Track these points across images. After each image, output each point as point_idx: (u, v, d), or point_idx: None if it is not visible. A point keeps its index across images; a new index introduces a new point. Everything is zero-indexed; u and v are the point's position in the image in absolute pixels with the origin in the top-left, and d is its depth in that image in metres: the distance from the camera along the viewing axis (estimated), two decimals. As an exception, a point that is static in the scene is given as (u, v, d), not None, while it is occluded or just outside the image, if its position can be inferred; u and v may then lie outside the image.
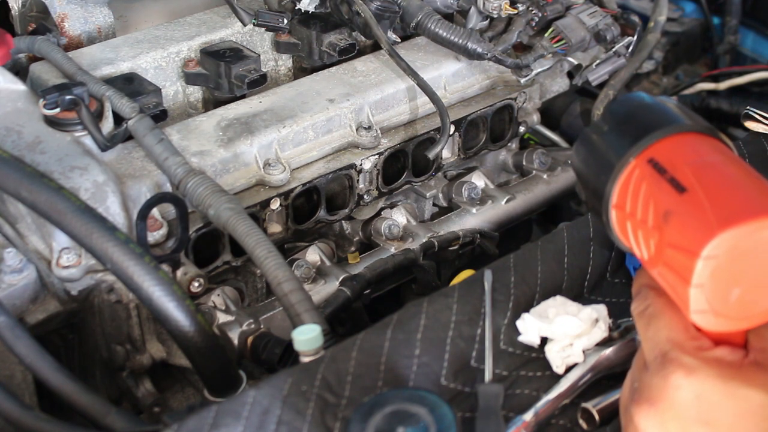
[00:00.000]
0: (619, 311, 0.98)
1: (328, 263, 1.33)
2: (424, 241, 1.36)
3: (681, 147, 0.80)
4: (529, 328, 0.94)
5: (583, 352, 0.93)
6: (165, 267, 1.12)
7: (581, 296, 1.04)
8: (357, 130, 1.35)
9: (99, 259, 1.02)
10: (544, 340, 0.96)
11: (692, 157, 0.79)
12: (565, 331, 0.92)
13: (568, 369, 0.93)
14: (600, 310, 0.96)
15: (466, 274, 1.31)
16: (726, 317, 0.75)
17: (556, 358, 0.93)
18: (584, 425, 0.88)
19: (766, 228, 0.72)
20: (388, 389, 0.86)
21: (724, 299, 0.74)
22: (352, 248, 1.40)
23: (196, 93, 1.44)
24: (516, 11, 1.48)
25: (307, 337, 0.95)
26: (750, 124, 1.32)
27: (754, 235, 0.72)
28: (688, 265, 0.73)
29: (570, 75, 1.61)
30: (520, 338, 0.96)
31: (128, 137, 1.23)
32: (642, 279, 0.85)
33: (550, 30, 1.51)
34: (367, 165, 1.34)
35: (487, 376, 0.93)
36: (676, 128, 0.81)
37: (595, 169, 0.84)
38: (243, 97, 1.38)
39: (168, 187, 1.21)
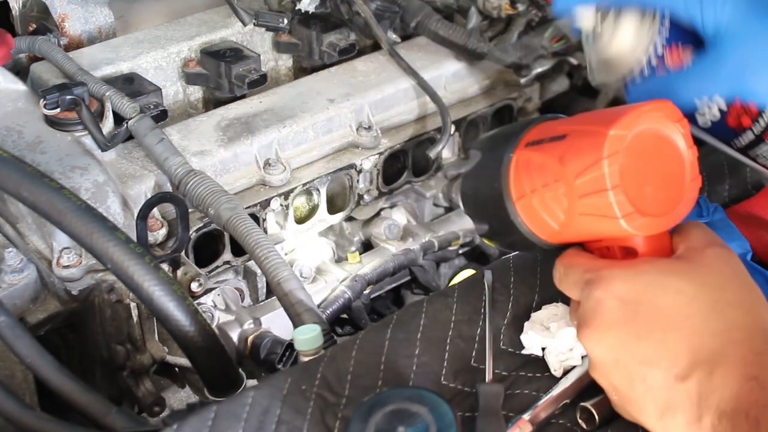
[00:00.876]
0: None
1: (328, 263, 1.33)
2: (424, 241, 1.36)
3: (545, 126, 0.87)
4: (533, 342, 0.95)
5: (582, 357, 0.93)
6: (165, 267, 1.12)
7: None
8: (357, 130, 1.35)
9: (99, 258, 1.02)
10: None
11: (557, 123, 0.86)
12: (567, 343, 0.93)
13: (566, 371, 0.93)
14: None
15: (466, 274, 1.31)
16: (650, 215, 0.79)
17: (555, 361, 0.93)
18: (584, 425, 0.88)
19: (646, 116, 0.79)
20: (388, 388, 0.86)
21: (641, 196, 0.78)
22: (352, 248, 1.40)
23: (196, 93, 1.45)
24: (516, 11, 1.48)
25: (307, 336, 0.95)
26: None
27: (640, 126, 0.79)
28: (598, 177, 0.78)
29: (570, 75, 1.61)
30: (524, 351, 0.96)
31: (129, 137, 1.23)
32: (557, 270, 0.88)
33: (550, 30, 1.51)
34: (367, 165, 1.34)
35: (488, 375, 0.93)
36: (534, 121, 0.88)
37: (486, 189, 0.89)
38: (243, 97, 1.38)
39: (168, 187, 1.21)
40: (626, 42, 0.97)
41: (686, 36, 0.95)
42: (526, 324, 0.96)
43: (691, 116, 0.93)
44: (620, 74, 1.00)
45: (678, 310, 0.77)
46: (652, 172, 0.80)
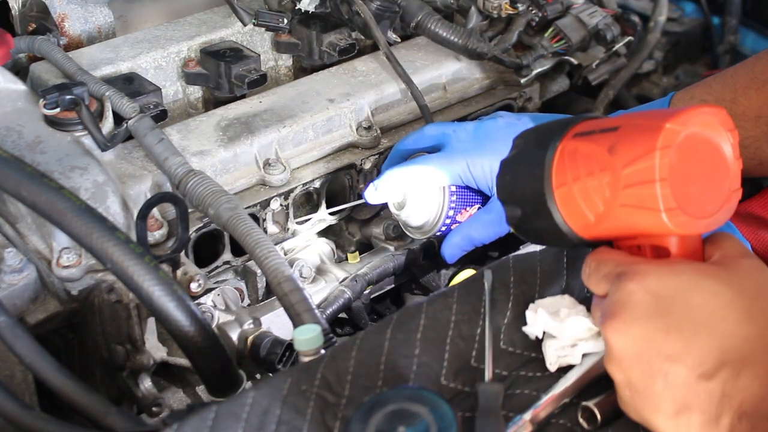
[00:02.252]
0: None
1: (328, 263, 1.33)
2: (424, 241, 1.36)
3: (595, 120, 0.88)
4: (538, 321, 0.94)
5: (582, 356, 0.92)
6: (165, 267, 1.12)
7: (582, 296, 1.04)
8: (357, 130, 1.35)
9: (99, 258, 1.02)
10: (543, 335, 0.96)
11: (608, 119, 0.88)
12: (573, 333, 0.92)
13: (561, 369, 0.93)
14: None
15: (466, 274, 1.31)
16: (691, 215, 0.80)
17: (553, 355, 0.93)
18: (585, 424, 0.88)
19: (701, 118, 0.80)
20: (388, 389, 0.86)
21: (685, 194, 0.79)
22: (352, 248, 1.40)
23: (196, 93, 1.45)
24: (516, 11, 1.48)
25: (307, 336, 0.95)
26: None
27: (694, 127, 0.80)
28: (648, 168, 0.79)
29: (570, 75, 1.61)
30: (525, 329, 0.95)
31: (128, 137, 1.23)
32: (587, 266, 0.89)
33: (550, 30, 1.51)
34: (367, 165, 1.34)
35: (487, 375, 0.93)
36: (584, 117, 0.90)
37: (526, 174, 0.90)
38: (243, 97, 1.38)
39: (168, 187, 1.21)
40: (425, 210, 1.18)
41: (477, 196, 1.20)
42: (531, 305, 0.96)
43: None
44: (427, 234, 1.21)
45: (712, 311, 0.77)
46: (698, 174, 0.81)
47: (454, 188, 1.18)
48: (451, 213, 1.18)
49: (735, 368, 0.76)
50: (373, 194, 1.19)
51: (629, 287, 0.79)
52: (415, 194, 1.18)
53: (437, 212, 1.18)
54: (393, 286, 1.38)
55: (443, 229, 1.20)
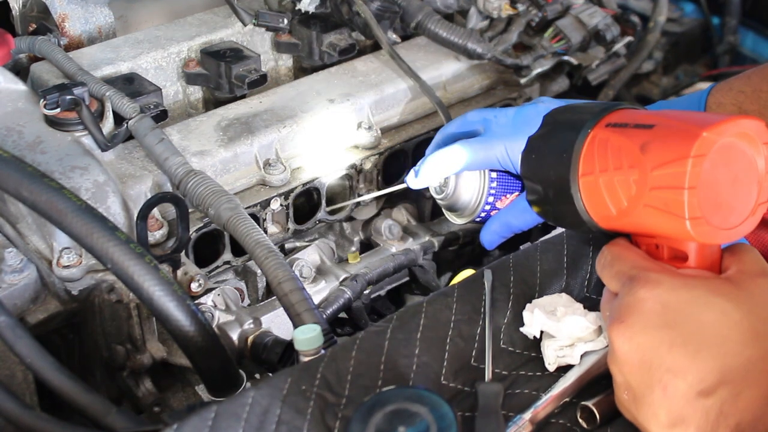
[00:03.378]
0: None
1: (328, 263, 1.33)
2: (424, 241, 1.36)
3: (629, 112, 0.87)
4: (535, 321, 0.94)
5: (581, 356, 0.92)
6: (165, 267, 1.12)
7: (581, 295, 1.04)
8: (357, 130, 1.35)
9: (99, 259, 1.02)
10: (542, 335, 0.96)
11: (644, 113, 0.87)
12: (570, 332, 0.92)
13: (560, 368, 0.93)
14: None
15: (466, 274, 1.31)
16: (715, 225, 0.80)
17: (551, 355, 0.93)
18: (584, 424, 0.88)
19: (738, 129, 0.79)
20: (388, 388, 0.86)
21: (712, 203, 0.79)
22: (352, 248, 1.40)
23: (196, 93, 1.45)
24: (516, 11, 1.48)
25: (307, 336, 0.95)
26: None
27: (730, 137, 0.79)
28: (678, 174, 0.78)
29: (570, 75, 1.61)
30: (522, 329, 0.96)
31: (129, 137, 1.23)
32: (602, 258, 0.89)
33: (550, 30, 1.51)
34: (367, 165, 1.34)
35: (488, 375, 0.93)
36: (618, 105, 0.89)
37: (553, 156, 0.89)
38: (243, 97, 1.38)
39: (168, 187, 1.21)
40: (465, 196, 1.16)
41: (518, 182, 1.14)
42: (528, 305, 0.96)
43: None
44: (467, 218, 1.18)
45: (718, 330, 0.77)
46: (728, 184, 0.80)
47: (494, 174, 1.15)
48: (491, 199, 1.16)
49: (735, 388, 0.76)
50: (414, 180, 1.17)
51: (641, 294, 0.80)
52: (455, 179, 1.17)
53: (477, 197, 1.16)
54: (393, 286, 1.38)
55: (483, 214, 1.18)
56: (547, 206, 0.93)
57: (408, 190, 1.21)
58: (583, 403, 0.88)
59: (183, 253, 1.17)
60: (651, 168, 0.80)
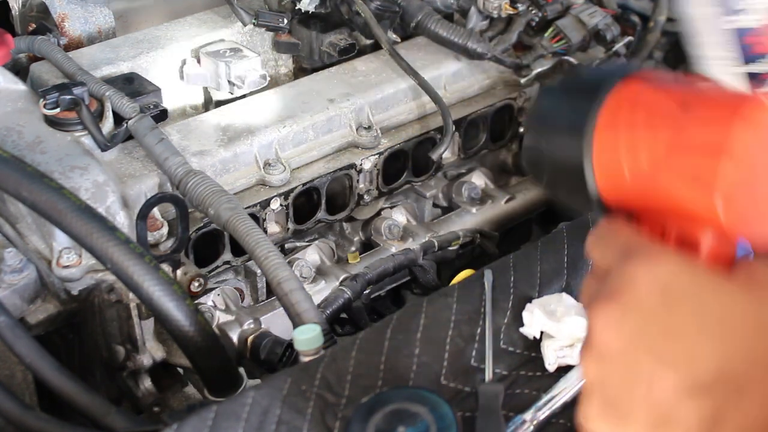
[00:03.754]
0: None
1: (328, 263, 1.33)
2: (424, 241, 1.36)
3: (663, 73, 0.75)
4: (535, 321, 0.94)
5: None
6: (165, 267, 1.12)
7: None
8: (357, 130, 1.35)
9: (99, 258, 1.02)
10: (542, 335, 0.96)
11: (683, 76, 0.75)
12: (570, 332, 0.92)
13: (560, 369, 0.93)
14: None
15: (466, 274, 1.31)
16: (745, 213, 0.68)
17: (551, 355, 0.93)
18: (584, 425, 0.88)
19: None
20: (388, 388, 0.86)
21: (751, 187, 0.67)
22: (352, 248, 1.40)
23: (196, 92, 1.44)
24: (516, 11, 1.48)
25: (307, 336, 0.95)
26: None
27: None
28: (721, 138, 0.66)
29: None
30: (522, 329, 0.95)
31: (128, 137, 1.23)
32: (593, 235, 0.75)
33: (550, 30, 1.51)
34: (367, 165, 1.34)
35: (488, 375, 0.93)
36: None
37: (572, 101, 0.76)
38: (243, 97, 1.38)
39: (168, 187, 1.21)
40: None
41: None
42: (528, 305, 0.95)
43: None
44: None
45: (724, 319, 0.65)
46: (760, 165, 0.67)
47: None
48: None
49: (733, 389, 0.64)
50: None
51: (636, 270, 0.66)
52: None
53: None
54: (393, 286, 1.38)
55: None
56: (545, 167, 0.78)
57: (407, 190, 1.21)
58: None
59: (183, 253, 1.17)
60: (690, 128, 0.69)
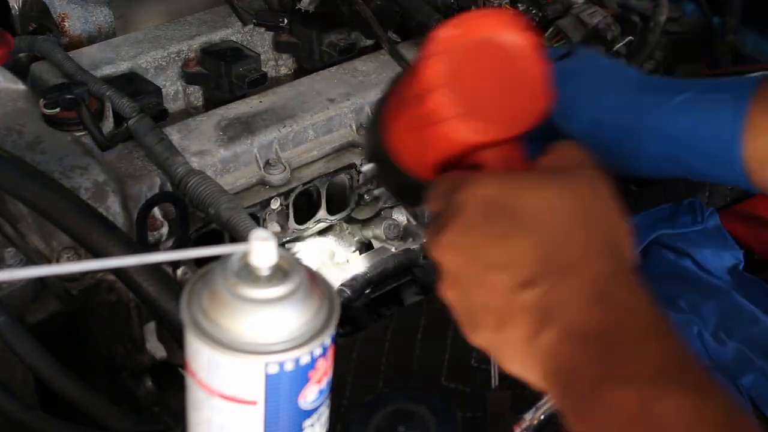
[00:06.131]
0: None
1: (328, 263, 1.33)
2: (424, 240, 1.36)
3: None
4: None
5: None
6: (165, 267, 1.12)
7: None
8: (357, 129, 1.35)
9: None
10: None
11: None
12: None
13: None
14: None
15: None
16: (487, 120, 0.74)
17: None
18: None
19: (479, 22, 0.75)
20: (388, 389, 0.86)
21: (475, 101, 0.74)
22: (352, 248, 1.40)
23: (196, 93, 1.44)
24: (516, 11, 1.48)
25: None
26: None
27: (471, 31, 0.75)
28: (424, 81, 0.74)
29: (570, 75, 1.61)
30: None
31: (128, 137, 1.23)
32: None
33: (550, 30, 1.51)
34: (368, 165, 1.34)
35: (494, 381, 0.92)
36: None
37: (377, 107, 0.85)
38: (243, 96, 1.38)
39: (168, 187, 1.21)
40: None
41: None
42: None
43: None
44: None
45: (535, 218, 0.69)
46: (492, 81, 0.74)
47: None
48: None
49: (556, 278, 0.67)
50: None
51: (460, 197, 0.71)
52: None
53: None
54: (393, 285, 1.38)
55: None
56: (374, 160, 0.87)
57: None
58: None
59: (183, 253, 1.17)
60: (405, 93, 0.77)
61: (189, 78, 1.41)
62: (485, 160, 0.75)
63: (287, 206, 1.28)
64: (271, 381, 0.54)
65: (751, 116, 0.81)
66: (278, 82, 1.50)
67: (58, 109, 1.20)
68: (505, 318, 0.68)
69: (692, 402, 0.61)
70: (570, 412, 0.65)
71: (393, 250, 1.35)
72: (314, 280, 0.57)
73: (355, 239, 1.40)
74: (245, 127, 1.29)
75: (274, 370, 0.54)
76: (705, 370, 0.64)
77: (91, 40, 1.47)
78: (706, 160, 0.83)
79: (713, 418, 0.60)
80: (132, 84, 1.32)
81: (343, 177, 1.33)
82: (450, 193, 0.73)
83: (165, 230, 1.18)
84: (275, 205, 1.27)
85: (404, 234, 1.38)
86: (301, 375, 0.55)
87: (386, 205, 1.42)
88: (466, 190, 0.71)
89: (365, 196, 1.36)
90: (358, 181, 1.34)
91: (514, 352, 0.68)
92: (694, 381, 0.63)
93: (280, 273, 0.55)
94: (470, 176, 0.73)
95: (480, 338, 0.70)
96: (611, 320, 0.65)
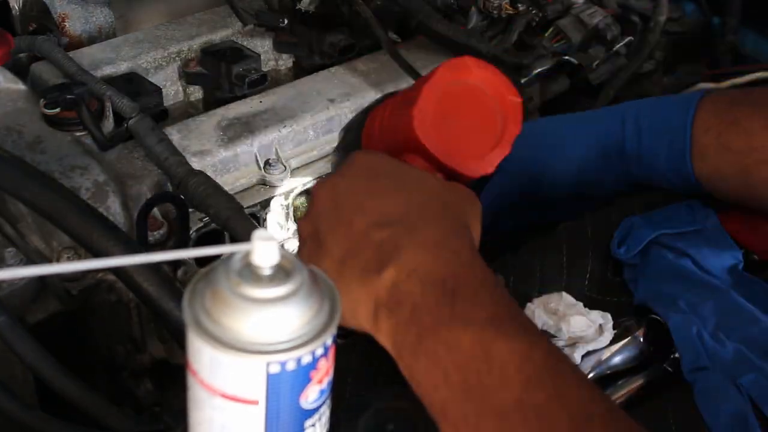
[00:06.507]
0: (619, 310, 0.98)
1: (328, 263, 1.33)
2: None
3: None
4: (536, 320, 0.94)
5: (582, 357, 0.92)
6: (165, 267, 1.12)
7: (582, 295, 1.04)
8: (357, 130, 1.35)
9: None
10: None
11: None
12: (571, 332, 0.92)
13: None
14: (606, 318, 0.95)
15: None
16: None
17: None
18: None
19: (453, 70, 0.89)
20: (379, 389, 0.86)
21: (437, 117, 0.88)
22: (353, 248, 1.39)
23: (196, 93, 1.45)
24: (516, 11, 1.48)
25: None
26: None
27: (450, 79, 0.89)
28: (414, 95, 0.89)
29: (570, 75, 1.61)
30: None
31: (128, 137, 1.23)
32: None
33: (550, 30, 1.51)
34: (368, 165, 1.34)
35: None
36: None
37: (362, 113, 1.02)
38: (243, 96, 1.38)
39: (168, 187, 1.21)
40: None
41: None
42: (528, 305, 0.95)
43: None
44: None
45: (407, 187, 0.82)
46: (458, 116, 0.89)
47: None
48: None
49: (409, 225, 0.77)
50: None
51: (354, 156, 0.86)
52: None
53: None
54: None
55: None
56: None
57: None
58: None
59: (183, 253, 1.17)
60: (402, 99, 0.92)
61: (189, 78, 1.41)
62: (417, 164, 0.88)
63: (287, 206, 1.29)
64: (272, 380, 0.54)
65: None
66: (278, 82, 1.50)
67: (58, 109, 1.20)
68: (353, 249, 0.76)
69: (522, 345, 0.68)
70: (407, 349, 0.71)
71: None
72: (316, 279, 0.57)
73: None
74: (245, 127, 1.29)
75: (275, 369, 0.54)
76: (530, 320, 0.75)
77: (91, 40, 1.48)
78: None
79: (541, 358, 0.68)
80: (132, 84, 1.32)
81: (343, 177, 1.33)
82: (354, 155, 0.87)
83: (165, 230, 1.18)
84: (275, 205, 1.27)
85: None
86: (303, 375, 0.55)
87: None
88: (360, 154, 0.87)
89: (365, 196, 1.36)
90: (358, 181, 1.34)
91: (352, 280, 0.75)
92: (523, 327, 0.71)
93: (282, 273, 0.55)
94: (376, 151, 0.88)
95: (323, 264, 0.77)
96: (452, 271, 0.73)
